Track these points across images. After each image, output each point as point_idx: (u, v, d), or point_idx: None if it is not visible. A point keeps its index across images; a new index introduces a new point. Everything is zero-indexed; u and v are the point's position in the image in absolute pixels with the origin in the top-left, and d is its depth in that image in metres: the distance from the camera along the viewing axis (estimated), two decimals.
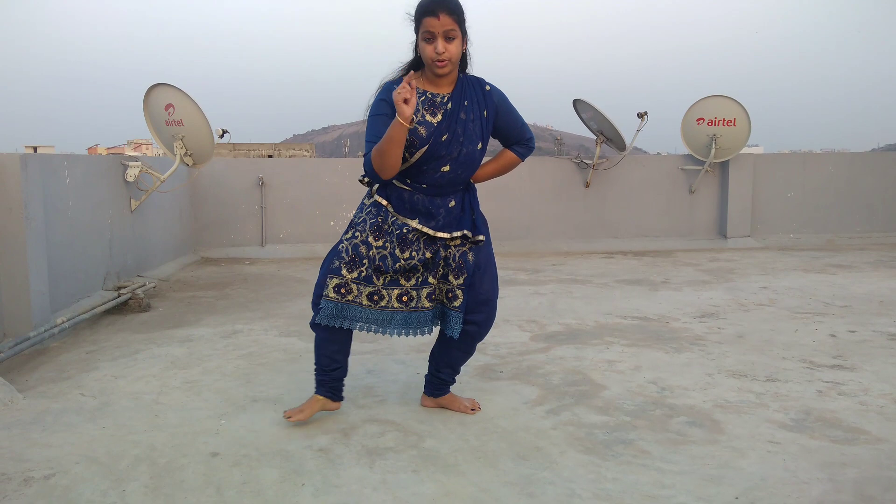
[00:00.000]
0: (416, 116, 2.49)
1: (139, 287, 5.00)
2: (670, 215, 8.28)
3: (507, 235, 7.69)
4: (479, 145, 2.59)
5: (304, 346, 3.84)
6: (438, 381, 2.83)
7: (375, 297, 2.60)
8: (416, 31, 2.50)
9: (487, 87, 2.61)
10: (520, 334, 4.00)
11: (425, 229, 2.56)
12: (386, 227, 2.58)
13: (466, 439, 2.55)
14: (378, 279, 2.59)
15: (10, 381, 3.11)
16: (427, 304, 2.64)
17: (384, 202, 2.59)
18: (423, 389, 2.92)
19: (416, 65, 2.60)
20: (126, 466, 2.34)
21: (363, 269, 2.58)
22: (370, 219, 2.60)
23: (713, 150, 7.87)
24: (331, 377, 2.73)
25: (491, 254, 2.74)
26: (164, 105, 5.75)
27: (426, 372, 2.89)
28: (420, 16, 2.45)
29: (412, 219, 2.57)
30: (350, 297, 2.59)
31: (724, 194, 8.24)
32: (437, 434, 2.59)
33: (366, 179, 2.64)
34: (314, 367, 2.76)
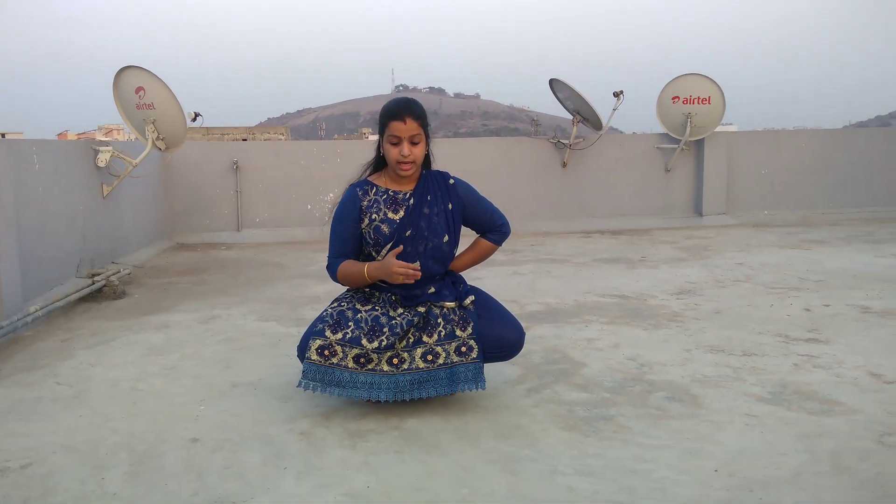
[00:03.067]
0: (379, 215, 2.60)
1: (113, 274, 4.93)
2: (647, 194, 8.33)
3: None
4: (446, 238, 2.65)
5: (284, 330, 3.82)
6: None
7: (363, 360, 2.52)
8: (381, 132, 2.59)
9: (451, 181, 2.70)
10: None
11: (407, 308, 2.61)
12: (374, 297, 2.64)
13: (448, 419, 2.55)
14: (371, 342, 2.52)
15: None
16: (421, 365, 2.54)
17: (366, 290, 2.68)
18: None
19: (379, 163, 2.70)
20: (105, 454, 2.31)
21: (348, 330, 2.54)
22: (356, 293, 2.67)
23: (688, 129, 7.91)
24: None
25: (491, 299, 2.76)
26: (134, 88, 5.65)
27: None
28: (386, 119, 2.55)
29: (396, 299, 2.64)
30: (335, 360, 2.51)
31: (699, 172, 8.30)
32: (419, 414, 2.59)
33: None
34: None
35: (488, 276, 5.18)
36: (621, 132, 9.85)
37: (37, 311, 3.91)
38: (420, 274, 2.50)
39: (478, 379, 2.54)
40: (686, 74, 8.05)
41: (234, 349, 3.48)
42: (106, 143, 5.57)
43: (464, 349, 2.57)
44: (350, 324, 2.55)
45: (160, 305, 4.50)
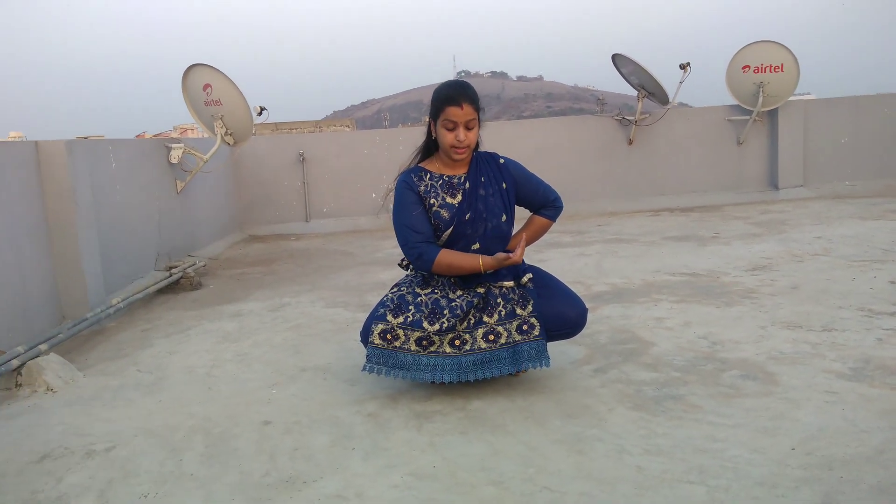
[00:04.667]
0: (437, 200, 2.59)
1: (189, 266, 5.11)
2: (718, 168, 8.06)
3: None
4: (504, 217, 2.63)
5: (350, 315, 3.88)
6: None
7: (425, 343, 2.54)
8: (435, 116, 2.57)
9: (501, 161, 2.69)
10: None
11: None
12: (433, 281, 2.65)
13: (513, 400, 2.54)
14: (433, 324, 2.54)
15: (70, 361, 3.22)
16: (483, 346, 2.54)
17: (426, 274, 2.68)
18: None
19: (429, 148, 2.70)
20: (182, 437, 2.40)
21: (409, 314, 2.56)
22: (415, 277, 2.68)
23: (761, 99, 7.60)
24: None
25: (551, 276, 2.74)
26: (202, 85, 5.81)
27: None
28: (442, 104, 2.53)
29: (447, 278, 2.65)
30: (397, 344, 2.53)
31: (773, 144, 7.98)
32: (484, 396, 2.59)
33: (406, 265, 2.74)
34: None
35: (554, 258, 5.12)
36: (690, 106, 9.55)
37: (118, 303, 4.09)
38: (519, 257, 2.50)
39: (541, 356, 2.52)
40: (756, 42, 7.71)
41: (303, 335, 3.56)
42: (178, 141, 5.76)
43: (525, 327, 2.55)
44: (411, 307, 2.57)
45: (233, 295, 4.64)
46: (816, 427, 2.18)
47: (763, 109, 7.72)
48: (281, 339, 3.53)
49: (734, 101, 7.90)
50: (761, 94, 7.59)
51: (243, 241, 7.21)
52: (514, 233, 2.78)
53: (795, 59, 7.58)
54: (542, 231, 2.84)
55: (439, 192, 2.62)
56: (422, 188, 2.62)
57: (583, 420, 2.34)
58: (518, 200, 2.74)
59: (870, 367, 2.65)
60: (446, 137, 2.55)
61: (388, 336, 2.54)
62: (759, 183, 8.09)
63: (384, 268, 5.23)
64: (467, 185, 2.62)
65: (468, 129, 2.54)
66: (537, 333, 2.54)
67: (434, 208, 2.60)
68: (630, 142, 7.91)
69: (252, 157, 7.64)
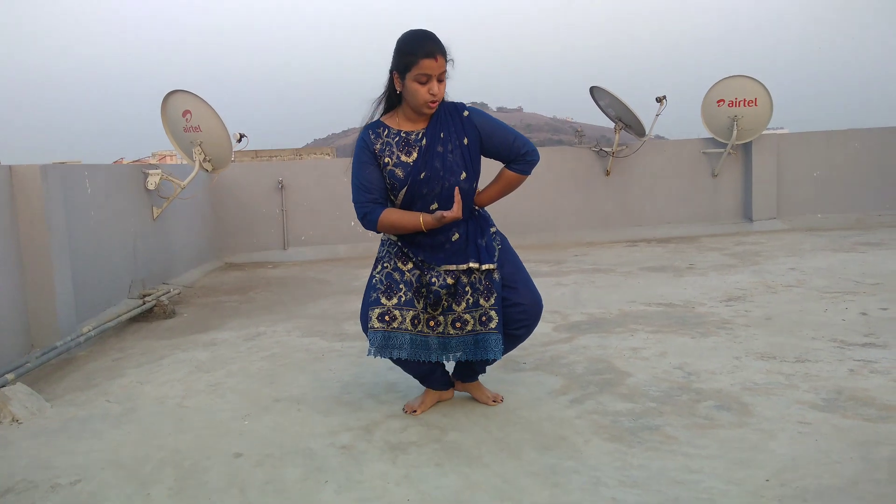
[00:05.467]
0: (392, 159, 2.52)
1: (164, 294, 5.05)
2: (694, 200, 8.16)
3: (528, 228, 7.64)
4: (463, 175, 2.53)
5: (327, 345, 3.84)
6: (470, 369, 2.77)
7: (416, 321, 2.55)
8: (405, 69, 2.44)
9: (466, 113, 2.56)
10: (542, 325, 3.94)
11: (430, 265, 2.55)
12: (409, 252, 2.59)
13: (489, 431, 2.52)
14: (419, 301, 2.56)
15: (38, 391, 3.15)
16: (451, 331, 2.57)
17: (393, 237, 2.62)
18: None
19: (391, 100, 2.59)
20: (151, 470, 2.35)
21: (401, 293, 2.55)
22: (392, 249, 2.62)
23: (735, 132, 7.74)
24: (431, 378, 2.75)
25: (516, 261, 2.67)
26: (181, 112, 5.80)
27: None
28: (415, 56, 2.41)
29: (416, 255, 2.57)
30: (395, 325, 2.53)
31: (747, 177, 8.10)
32: (460, 427, 2.57)
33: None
34: None
35: None
36: (666, 138, 9.70)
37: (90, 331, 4.02)
38: (459, 213, 2.45)
39: (495, 347, 2.52)
40: (731, 76, 7.87)
41: (278, 365, 3.52)
42: (155, 167, 5.73)
43: (484, 318, 2.54)
44: (401, 286, 2.55)
45: (208, 324, 4.58)
46: (790, 458, 2.18)
47: (737, 143, 7.86)
48: (255, 368, 3.48)
49: (709, 135, 8.04)
50: (735, 127, 7.73)
51: (220, 269, 7.14)
52: (483, 188, 2.69)
53: (769, 94, 7.74)
54: (512, 186, 2.68)
55: (394, 150, 2.52)
56: (377, 146, 2.54)
57: (559, 451, 2.33)
58: (486, 153, 2.61)
59: (842, 397, 2.67)
60: (419, 92, 2.43)
61: (387, 318, 2.53)
62: (734, 215, 8.20)
63: (361, 297, 5.19)
64: (424, 141, 2.51)
65: (440, 81, 2.44)
66: (493, 326, 2.53)
67: (389, 167, 2.51)
68: (607, 173, 7.99)
69: (231, 184, 7.61)
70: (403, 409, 2.76)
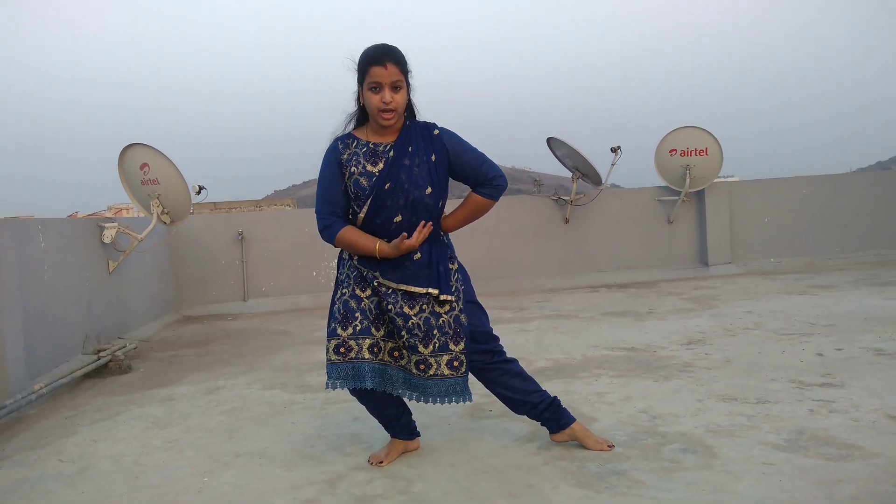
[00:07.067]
0: (358, 168, 2.51)
1: (119, 349, 4.91)
2: (651, 246, 8.32)
3: (491, 275, 7.68)
4: (429, 190, 2.51)
5: (289, 397, 3.77)
6: (539, 409, 2.72)
7: (375, 349, 2.53)
8: (361, 81, 2.49)
9: (436, 132, 2.57)
10: None
11: (387, 282, 2.51)
12: (368, 277, 2.55)
13: (457, 481, 2.49)
14: (378, 330, 2.53)
15: None
16: (414, 371, 2.53)
17: (352, 257, 2.59)
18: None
19: (361, 116, 2.61)
20: None
21: (357, 322, 2.52)
22: (352, 272, 2.58)
23: (688, 181, 7.96)
24: (396, 425, 2.72)
25: (474, 303, 2.69)
26: (139, 165, 5.75)
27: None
28: (366, 65, 2.45)
29: (375, 270, 2.53)
30: (351, 356, 2.51)
31: (702, 223, 8.31)
32: (427, 477, 2.53)
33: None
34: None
35: None
36: (622, 187, 9.93)
37: (41, 388, 3.89)
38: (416, 242, 2.42)
39: (465, 392, 2.55)
40: (682, 127, 8.14)
41: (239, 419, 3.43)
42: (111, 220, 5.64)
43: (455, 363, 2.54)
44: (357, 315, 2.52)
45: (165, 378, 4.46)
46: (755, 499, 2.20)
47: (690, 190, 8.08)
48: (215, 423, 3.39)
49: (663, 183, 8.25)
50: (688, 175, 7.96)
51: (178, 322, 7.00)
52: (448, 211, 2.67)
53: (718, 144, 8.01)
54: (481, 210, 2.65)
55: (361, 160, 2.51)
56: (345, 156, 2.52)
57: (527, 499, 2.31)
58: (454, 174, 2.60)
59: (803, 437, 2.71)
60: (372, 100, 2.44)
61: (342, 349, 2.50)
62: (690, 260, 8.38)
63: (323, 347, 5.12)
64: (391, 153, 2.50)
65: (395, 90, 2.44)
66: (464, 371, 2.55)
67: (354, 176, 2.49)
68: (566, 220, 8.12)
69: (189, 237, 7.52)
70: (369, 461, 2.71)
